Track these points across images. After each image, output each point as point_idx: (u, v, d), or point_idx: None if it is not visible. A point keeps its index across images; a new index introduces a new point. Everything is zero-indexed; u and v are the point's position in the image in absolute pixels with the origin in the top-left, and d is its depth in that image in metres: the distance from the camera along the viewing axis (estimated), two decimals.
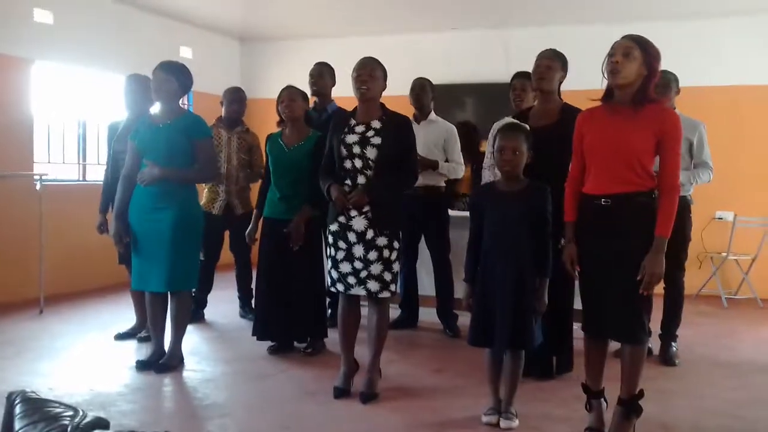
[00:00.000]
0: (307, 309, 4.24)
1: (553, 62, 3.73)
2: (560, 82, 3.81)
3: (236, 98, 5.25)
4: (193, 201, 3.98)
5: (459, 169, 4.96)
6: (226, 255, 5.36)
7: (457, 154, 4.94)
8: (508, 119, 3.23)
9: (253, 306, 5.27)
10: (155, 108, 4.09)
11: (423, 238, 5.01)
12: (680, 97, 4.33)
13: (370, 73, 3.44)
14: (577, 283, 3.11)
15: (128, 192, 3.91)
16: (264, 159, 4.53)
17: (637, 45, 2.80)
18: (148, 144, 3.85)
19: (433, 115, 4.99)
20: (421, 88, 4.95)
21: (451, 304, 4.97)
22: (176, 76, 3.85)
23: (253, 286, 5.26)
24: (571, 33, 6.97)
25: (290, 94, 4.20)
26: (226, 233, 5.28)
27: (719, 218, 6.77)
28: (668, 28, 6.50)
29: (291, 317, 4.22)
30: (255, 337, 4.34)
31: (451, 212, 5.10)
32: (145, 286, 3.96)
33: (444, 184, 5.02)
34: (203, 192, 5.17)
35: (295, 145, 4.18)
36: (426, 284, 5.18)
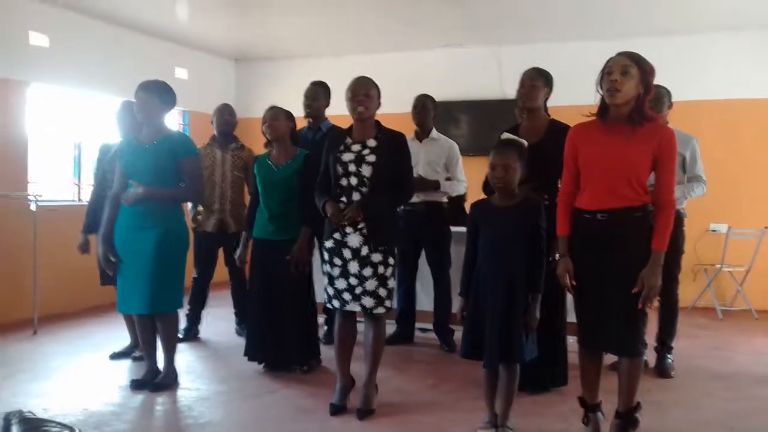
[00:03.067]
0: (298, 331, 4.20)
1: (536, 81, 3.78)
2: (546, 99, 3.85)
3: (226, 110, 5.24)
4: (178, 220, 3.93)
5: (461, 185, 4.96)
6: (220, 273, 5.35)
7: (460, 171, 4.95)
8: (507, 135, 3.25)
9: None
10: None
11: (423, 254, 5.01)
12: (673, 111, 4.38)
13: (365, 93, 3.47)
14: (570, 297, 3.12)
15: (115, 213, 3.88)
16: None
17: (634, 62, 2.82)
18: (133, 165, 3.82)
19: (435, 132, 4.99)
20: (423, 107, 4.94)
21: (449, 320, 4.97)
22: (157, 94, 3.84)
23: None
24: (562, 50, 7.05)
25: (273, 113, 4.21)
26: (220, 250, 5.27)
27: (713, 230, 6.81)
28: (659, 44, 6.56)
29: (282, 339, 4.19)
30: (250, 359, 4.32)
31: (453, 228, 5.12)
32: (128, 309, 3.94)
33: (446, 200, 5.01)
34: (198, 208, 5.17)
35: (283, 165, 4.18)
36: (422, 299, 5.18)
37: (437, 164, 4.88)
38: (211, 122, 5.30)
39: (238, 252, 4.46)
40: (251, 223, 4.32)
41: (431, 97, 5.03)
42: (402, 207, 4.81)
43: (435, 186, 4.81)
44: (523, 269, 3.06)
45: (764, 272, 6.48)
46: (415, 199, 4.72)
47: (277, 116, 4.20)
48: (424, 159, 4.86)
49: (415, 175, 4.73)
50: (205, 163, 5.07)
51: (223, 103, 5.40)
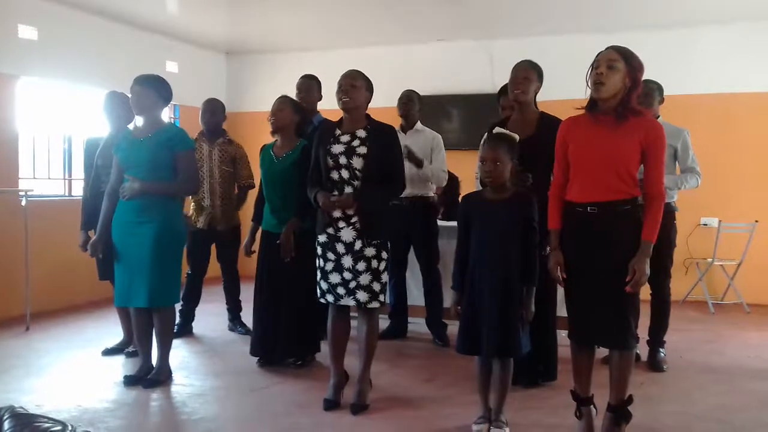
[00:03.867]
0: (301, 323, 4.19)
1: (529, 73, 3.78)
2: (536, 93, 3.85)
3: (210, 108, 5.18)
4: (175, 215, 3.94)
5: (443, 177, 5.00)
6: (213, 268, 5.34)
7: (442, 162, 4.99)
8: (499, 129, 3.25)
9: (242, 319, 5.26)
10: (138, 122, 4.08)
11: (412, 248, 5.02)
12: (664, 105, 4.39)
13: (351, 83, 3.47)
14: (562, 290, 3.13)
15: (113, 207, 3.89)
16: (252, 170, 4.48)
17: (621, 56, 2.84)
18: (130, 158, 3.82)
19: (419, 124, 5.07)
20: (408, 99, 5.03)
21: (441, 314, 4.99)
22: (153, 88, 3.83)
23: (242, 298, 5.27)
24: (553, 43, 7.05)
25: (279, 103, 4.19)
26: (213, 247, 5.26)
27: (704, 224, 6.84)
28: (651, 38, 6.59)
29: (286, 332, 4.18)
30: (248, 350, 4.32)
31: (444, 223, 5.15)
32: (128, 302, 3.93)
33: (433, 194, 5.04)
34: (190, 205, 5.15)
35: (283, 156, 4.16)
36: (415, 294, 5.19)
37: (422, 154, 4.90)
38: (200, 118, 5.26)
39: (245, 242, 4.44)
40: (259, 214, 4.31)
41: (416, 91, 5.13)
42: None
43: (419, 163, 4.80)
44: (517, 263, 3.06)
45: (755, 266, 6.52)
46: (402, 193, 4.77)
47: (282, 107, 4.18)
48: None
49: None
50: None
51: (208, 98, 5.31)
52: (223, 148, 5.12)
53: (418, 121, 5.08)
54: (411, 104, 5.02)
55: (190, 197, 5.03)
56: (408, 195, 4.83)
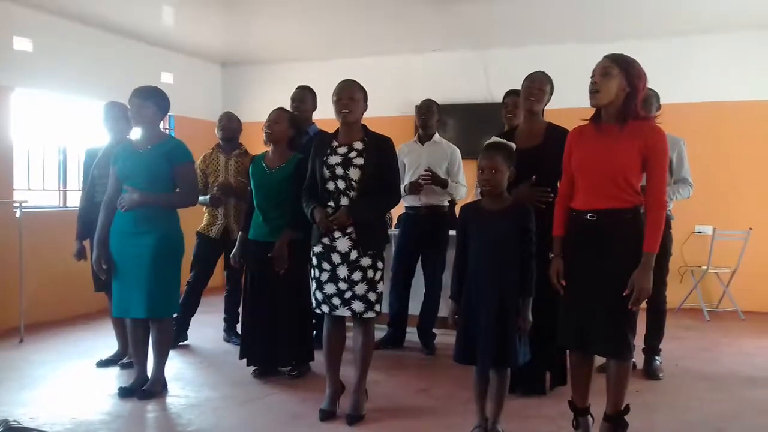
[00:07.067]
0: (293, 332, 4.20)
1: (544, 85, 3.81)
2: (545, 105, 3.87)
3: (226, 116, 5.29)
4: (173, 226, 3.93)
5: (462, 190, 5.00)
6: (212, 279, 5.32)
7: (461, 176, 5.01)
8: (495, 139, 3.27)
9: (238, 330, 5.24)
10: (136, 133, 4.08)
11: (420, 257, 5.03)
12: (660, 114, 4.40)
13: (350, 96, 3.47)
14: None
15: (110, 218, 3.89)
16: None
17: (616, 63, 2.86)
18: (128, 169, 3.83)
19: (437, 136, 5.07)
20: (427, 110, 5.03)
21: (433, 323, 4.99)
22: (152, 100, 3.84)
23: (239, 310, 5.25)
24: (549, 53, 7.08)
25: (276, 116, 4.19)
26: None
27: (699, 232, 6.86)
28: (646, 47, 6.59)
29: (277, 340, 4.18)
30: (243, 361, 4.31)
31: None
32: (126, 313, 3.91)
33: (447, 204, 5.04)
34: (203, 216, 5.17)
35: (276, 168, 4.17)
36: (412, 304, 5.17)
37: (439, 167, 4.92)
38: (217, 129, 5.31)
39: (233, 251, 4.44)
40: (248, 224, 4.31)
41: (435, 101, 5.11)
42: (404, 211, 4.97)
43: (444, 183, 4.83)
44: (515, 273, 3.06)
45: (750, 273, 6.54)
46: (417, 202, 4.86)
47: (279, 120, 4.18)
48: (425, 161, 4.92)
49: (414, 178, 4.80)
50: (210, 169, 5.09)
51: (225, 111, 5.44)
52: (239, 159, 5.16)
53: (436, 133, 5.08)
54: (430, 115, 5.01)
55: (204, 207, 5.06)
56: (423, 204, 4.88)
